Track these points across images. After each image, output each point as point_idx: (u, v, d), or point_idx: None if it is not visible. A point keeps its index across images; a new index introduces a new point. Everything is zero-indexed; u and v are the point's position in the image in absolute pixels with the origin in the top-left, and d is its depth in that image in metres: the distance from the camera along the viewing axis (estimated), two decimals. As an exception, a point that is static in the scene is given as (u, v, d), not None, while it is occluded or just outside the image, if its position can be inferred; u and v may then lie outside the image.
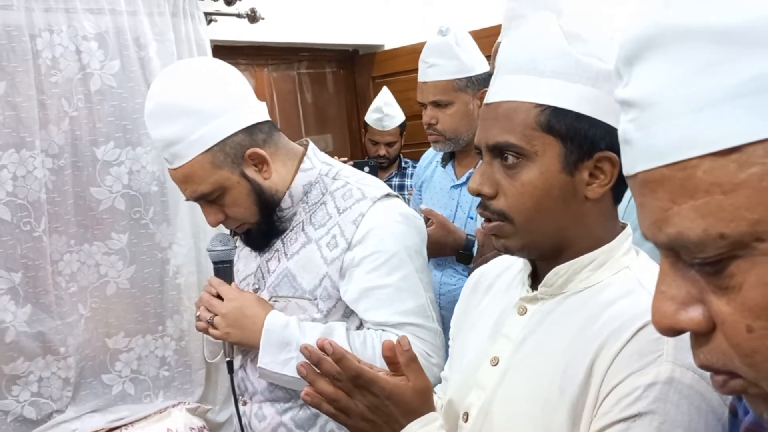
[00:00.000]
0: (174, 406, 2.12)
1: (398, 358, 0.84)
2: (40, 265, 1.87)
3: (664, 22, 0.38)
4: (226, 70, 1.25)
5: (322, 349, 0.84)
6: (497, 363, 0.84)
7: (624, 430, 0.68)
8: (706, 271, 0.38)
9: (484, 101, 0.83)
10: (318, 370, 0.85)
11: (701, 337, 0.40)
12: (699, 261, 0.38)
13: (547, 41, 0.76)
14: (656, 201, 0.39)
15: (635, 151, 0.41)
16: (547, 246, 0.81)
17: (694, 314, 0.40)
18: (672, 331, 0.41)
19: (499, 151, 0.79)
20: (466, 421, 0.86)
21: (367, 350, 1.17)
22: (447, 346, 1.28)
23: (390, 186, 3.15)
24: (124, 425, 2.01)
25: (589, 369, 0.73)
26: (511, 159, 0.78)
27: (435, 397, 0.93)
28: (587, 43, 0.76)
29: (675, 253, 0.40)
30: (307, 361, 0.86)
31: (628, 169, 0.42)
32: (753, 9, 0.34)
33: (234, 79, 1.25)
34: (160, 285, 2.11)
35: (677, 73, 0.37)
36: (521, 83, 0.77)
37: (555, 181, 0.77)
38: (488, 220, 0.82)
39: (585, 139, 0.76)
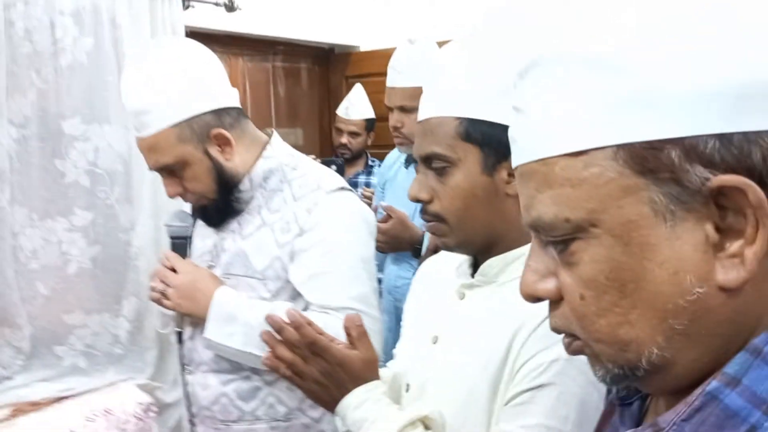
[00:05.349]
0: (123, 381, 2.15)
1: (351, 331, 0.94)
2: (0, 235, 1.88)
3: (544, 46, 0.46)
4: (204, 53, 1.32)
5: (289, 316, 0.93)
6: (436, 341, 0.94)
7: (530, 397, 0.79)
8: (558, 249, 0.47)
9: (418, 119, 0.93)
10: (279, 337, 0.94)
11: (554, 304, 0.49)
12: (551, 240, 0.47)
13: (463, 62, 0.87)
14: (527, 189, 0.48)
15: (517, 148, 0.50)
16: (479, 241, 0.91)
17: (550, 285, 0.48)
18: (532, 297, 0.50)
19: (429, 160, 0.89)
20: (407, 391, 0.96)
21: (310, 330, 1.24)
22: (388, 332, 1.37)
23: (356, 183, 3.25)
24: (73, 396, 2.03)
25: (507, 346, 0.83)
26: (440, 167, 0.88)
27: (386, 369, 1.03)
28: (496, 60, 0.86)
29: (538, 233, 0.48)
30: (270, 329, 0.95)
31: (514, 163, 0.51)
32: (598, 43, 0.43)
33: (210, 63, 1.32)
34: (121, 266, 2.12)
35: (547, 88, 0.46)
36: (442, 100, 0.88)
37: (478, 182, 0.87)
38: (428, 221, 0.93)
39: (500, 144, 0.85)
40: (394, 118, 2.05)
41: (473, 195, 0.88)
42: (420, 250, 1.94)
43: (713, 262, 0.42)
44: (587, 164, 0.43)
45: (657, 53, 0.41)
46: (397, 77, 2.03)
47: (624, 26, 0.42)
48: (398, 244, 1.94)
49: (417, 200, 0.92)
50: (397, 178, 2.21)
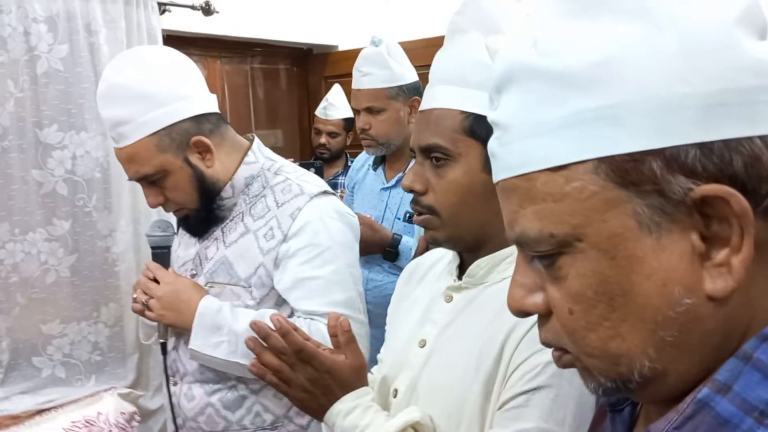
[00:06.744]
0: (105, 390, 2.12)
1: (339, 336, 0.93)
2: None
3: (519, 61, 0.46)
4: (181, 59, 1.31)
5: (275, 323, 0.92)
6: (424, 345, 0.93)
7: (526, 400, 0.78)
8: (544, 264, 0.47)
9: (420, 108, 0.91)
10: (265, 344, 0.93)
11: (543, 318, 0.49)
12: (536, 255, 0.47)
13: (473, 57, 0.85)
14: (510, 205, 0.48)
15: (498, 163, 0.49)
16: (470, 238, 0.90)
17: (538, 300, 0.48)
18: (521, 312, 0.50)
19: (429, 152, 0.88)
20: (395, 396, 0.95)
21: (295, 337, 1.23)
22: (372, 337, 1.37)
23: (336, 184, 3.24)
24: (54, 407, 2.00)
25: (500, 349, 0.82)
26: (439, 159, 0.87)
27: (370, 375, 1.01)
28: None
29: (523, 248, 0.48)
30: (256, 335, 0.93)
31: (494, 178, 0.50)
32: (573, 59, 0.43)
33: (187, 70, 1.30)
34: (99, 273, 2.10)
35: (526, 103, 0.45)
36: (450, 93, 0.86)
37: (477, 179, 0.86)
38: (419, 214, 0.91)
39: None
40: (362, 120, 2.04)
41: (470, 192, 0.86)
42: (391, 252, 1.95)
43: (701, 272, 0.42)
44: (569, 179, 0.44)
45: (627, 67, 0.42)
46: (362, 79, 2.03)
47: (595, 41, 0.43)
48: (369, 248, 1.93)
49: (411, 190, 0.90)
50: (365, 181, 2.21)
